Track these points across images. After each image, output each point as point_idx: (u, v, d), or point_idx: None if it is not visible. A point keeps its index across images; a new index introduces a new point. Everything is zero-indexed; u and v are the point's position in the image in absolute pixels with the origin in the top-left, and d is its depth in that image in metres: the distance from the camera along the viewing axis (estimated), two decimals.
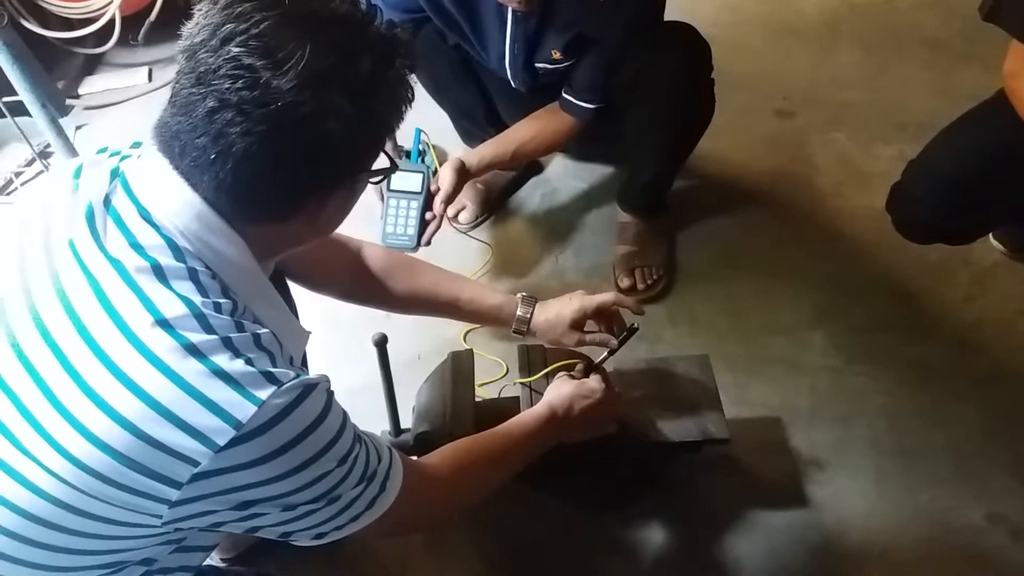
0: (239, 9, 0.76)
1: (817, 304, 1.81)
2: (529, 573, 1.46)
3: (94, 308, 0.77)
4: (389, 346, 1.26)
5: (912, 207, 1.63)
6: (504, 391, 1.61)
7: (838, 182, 2.06)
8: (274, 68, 0.74)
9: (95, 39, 2.47)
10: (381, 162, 0.90)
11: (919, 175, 1.60)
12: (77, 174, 0.87)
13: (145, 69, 2.56)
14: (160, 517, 0.79)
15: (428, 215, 1.65)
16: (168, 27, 2.50)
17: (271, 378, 0.78)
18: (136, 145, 0.92)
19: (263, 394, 0.77)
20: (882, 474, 1.53)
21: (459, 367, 1.41)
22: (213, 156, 0.76)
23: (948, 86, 2.22)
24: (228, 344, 0.78)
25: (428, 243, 1.65)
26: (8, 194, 2.19)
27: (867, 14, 2.53)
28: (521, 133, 1.75)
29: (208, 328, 0.77)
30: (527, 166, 2.11)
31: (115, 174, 0.85)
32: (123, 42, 2.46)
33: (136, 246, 0.79)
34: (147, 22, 2.48)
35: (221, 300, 0.80)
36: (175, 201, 0.80)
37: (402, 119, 0.86)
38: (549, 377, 1.33)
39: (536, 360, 1.39)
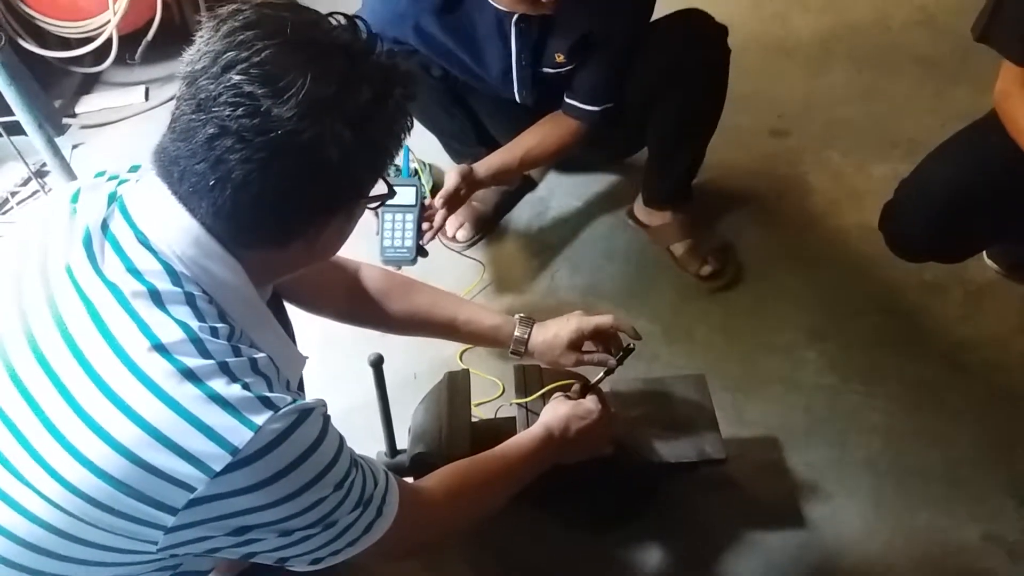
0: (241, 37, 0.77)
1: (812, 322, 1.81)
2: None
3: (90, 333, 0.77)
4: (385, 366, 1.26)
5: (904, 226, 1.64)
6: (500, 411, 1.61)
7: (832, 200, 2.07)
8: (275, 96, 0.74)
9: (92, 58, 2.49)
10: (378, 187, 0.91)
11: (911, 194, 1.61)
12: (75, 198, 0.87)
13: (142, 88, 2.56)
14: (155, 543, 0.79)
15: (424, 225, 1.65)
16: (165, 46, 2.52)
17: (268, 403, 0.78)
18: (134, 168, 0.92)
19: (259, 419, 0.77)
20: (879, 493, 1.53)
21: (455, 387, 1.42)
22: (212, 182, 0.76)
23: (941, 105, 2.24)
24: (225, 369, 0.78)
25: (426, 254, 1.65)
26: (4, 213, 2.19)
27: (860, 33, 2.55)
28: (528, 140, 1.76)
29: (205, 353, 0.77)
30: (521, 183, 2.11)
31: (112, 199, 0.85)
32: (120, 61, 2.47)
33: (133, 271, 0.80)
34: (144, 41, 2.49)
35: (218, 325, 0.80)
36: (173, 226, 0.80)
37: (400, 147, 0.86)
38: (545, 397, 1.33)
39: (532, 380, 1.39)
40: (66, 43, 2.47)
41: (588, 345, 1.34)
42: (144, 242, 0.81)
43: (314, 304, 1.26)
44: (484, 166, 1.74)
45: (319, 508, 0.83)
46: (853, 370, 1.72)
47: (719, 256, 1.89)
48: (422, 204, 1.65)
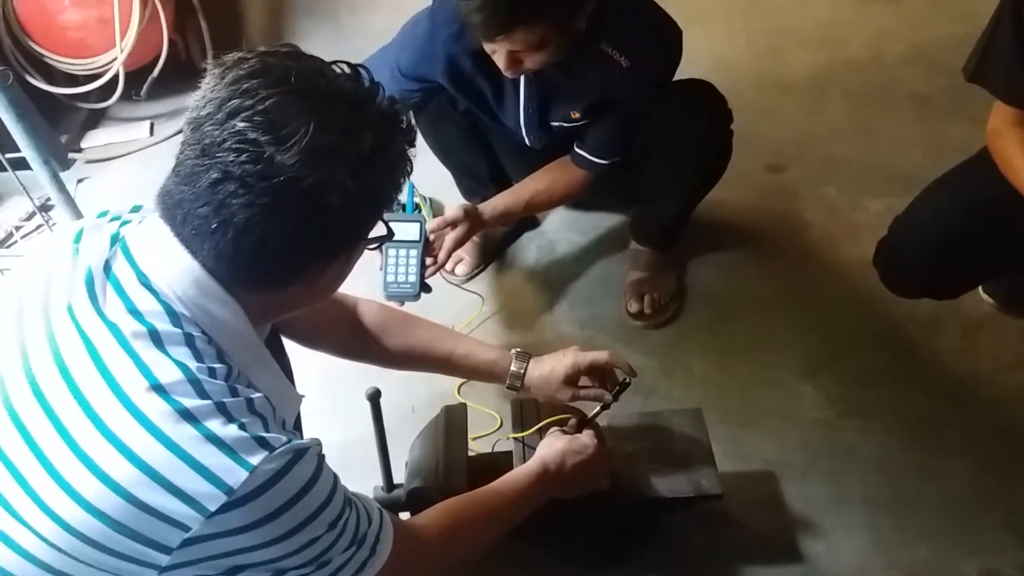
0: (246, 85, 0.78)
1: (809, 356, 1.82)
2: None
3: (90, 372, 0.79)
4: (383, 400, 1.27)
5: (897, 262, 1.65)
6: (498, 445, 1.61)
7: (829, 235, 2.09)
8: (278, 144, 0.76)
9: (99, 94, 2.53)
10: (378, 228, 0.93)
11: (904, 231, 1.63)
12: (78, 239, 0.89)
13: (147, 123, 2.60)
14: None
15: (427, 260, 1.67)
16: (170, 83, 2.56)
17: (263, 443, 0.79)
18: (135, 209, 0.94)
19: (255, 460, 0.78)
20: (876, 528, 1.53)
21: (452, 421, 1.42)
22: (215, 226, 0.78)
23: (936, 141, 2.26)
24: (222, 409, 0.79)
25: (429, 289, 1.66)
26: (8, 247, 2.21)
27: (856, 70, 2.58)
28: (535, 185, 1.80)
29: (202, 393, 0.79)
30: (522, 219, 2.14)
31: (115, 240, 0.87)
32: (125, 96, 2.51)
33: (134, 312, 0.81)
34: (150, 78, 2.53)
35: (216, 365, 0.82)
36: (174, 267, 0.82)
37: (400, 191, 0.88)
38: (542, 432, 1.34)
39: (529, 415, 1.40)
40: (73, 79, 2.51)
41: (584, 380, 1.35)
42: (145, 283, 0.82)
43: (312, 340, 1.28)
44: (490, 207, 1.77)
45: (313, 547, 0.84)
46: (850, 404, 1.72)
47: (654, 301, 1.90)
48: (426, 240, 1.66)
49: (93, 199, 2.32)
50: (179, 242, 0.82)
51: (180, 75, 2.60)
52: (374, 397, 1.26)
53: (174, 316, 0.82)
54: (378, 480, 1.40)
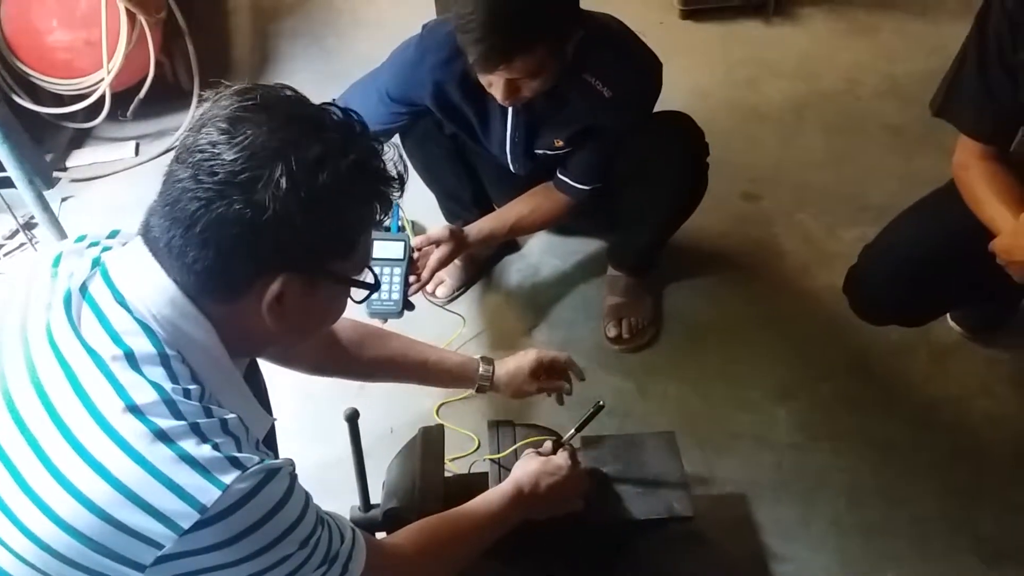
0: (223, 101, 0.83)
1: (782, 381, 1.85)
2: None
3: (66, 393, 0.80)
4: (361, 420, 1.28)
5: (867, 290, 1.68)
6: (475, 466, 1.62)
7: (803, 262, 2.13)
8: (228, 143, 0.80)
9: (85, 114, 2.54)
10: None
11: (873, 259, 1.66)
12: (56, 262, 0.90)
13: (132, 143, 2.62)
14: None
15: (411, 278, 1.70)
16: (156, 103, 2.58)
17: (236, 463, 0.81)
18: (113, 235, 0.96)
19: (227, 479, 0.79)
20: (844, 551, 1.55)
21: (429, 442, 1.43)
22: (175, 227, 0.82)
23: (908, 171, 2.30)
24: (196, 430, 0.80)
25: (412, 307, 1.67)
26: None
27: (831, 101, 2.64)
28: (519, 209, 1.84)
29: (177, 414, 0.80)
30: (503, 243, 2.17)
31: (96, 263, 0.89)
32: (112, 117, 2.53)
33: (111, 332, 0.83)
34: (136, 99, 2.55)
35: (191, 386, 0.83)
36: (149, 286, 0.84)
37: (364, 222, 0.89)
38: (518, 453, 1.36)
39: (505, 437, 1.42)
40: (60, 99, 2.52)
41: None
42: (122, 302, 0.84)
43: (286, 358, 1.29)
44: (475, 229, 1.81)
45: (285, 565, 0.85)
46: (821, 429, 1.76)
47: (632, 326, 1.94)
48: (410, 258, 1.69)
49: (77, 218, 2.33)
50: (154, 259, 0.84)
51: (166, 96, 2.63)
52: (352, 417, 1.27)
53: (151, 335, 0.83)
54: (355, 500, 1.42)
